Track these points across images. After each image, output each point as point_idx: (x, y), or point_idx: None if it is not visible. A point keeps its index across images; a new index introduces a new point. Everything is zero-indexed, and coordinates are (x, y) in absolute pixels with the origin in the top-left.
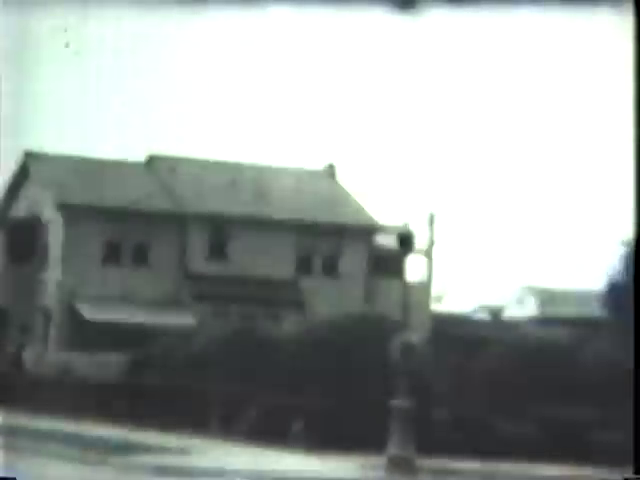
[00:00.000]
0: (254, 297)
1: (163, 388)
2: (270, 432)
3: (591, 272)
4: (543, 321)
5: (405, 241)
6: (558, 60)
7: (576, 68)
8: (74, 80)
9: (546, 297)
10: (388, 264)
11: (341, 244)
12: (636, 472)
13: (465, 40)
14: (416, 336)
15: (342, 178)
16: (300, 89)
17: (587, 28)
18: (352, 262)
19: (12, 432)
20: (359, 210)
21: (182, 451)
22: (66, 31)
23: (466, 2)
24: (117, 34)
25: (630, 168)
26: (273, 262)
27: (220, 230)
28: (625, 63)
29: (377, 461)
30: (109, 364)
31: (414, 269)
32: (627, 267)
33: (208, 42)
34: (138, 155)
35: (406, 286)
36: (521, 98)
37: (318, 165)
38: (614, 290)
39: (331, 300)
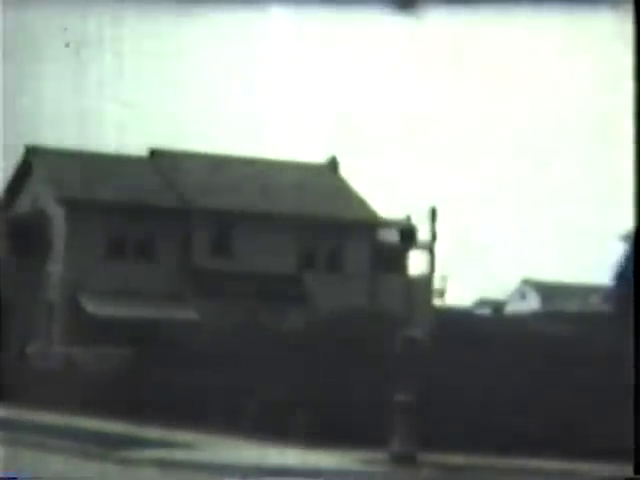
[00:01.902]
0: (258, 292)
1: (166, 383)
2: (273, 427)
3: (593, 266)
4: (545, 316)
5: (407, 236)
6: (557, 59)
7: (576, 68)
8: (74, 79)
9: (548, 291)
10: (391, 259)
11: (344, 239)
12: (636, 472)
13: (465, 39)
14: (419, 331)
15: (345, 172)
16: (301, 86)
17: (587, 28)
18: (355, 257)
19: (15, 426)
20: (362, 205)
21: (186, 446)
22: (66, 31)
23: (466, 2)
24: (117, 33)
25: (630, 163)
26: (276, 257)
27: (224, 225)
28: (625, 63)
29: (379, 456)
30: (112, 359)
31: (416, 264)
32: (629, 261)
33: (208, 40)
34: (141, 150)
35: (409, 281)
36: (521, 96)
37: (321, 160)
38: (620, 284)
39: (334, 295)
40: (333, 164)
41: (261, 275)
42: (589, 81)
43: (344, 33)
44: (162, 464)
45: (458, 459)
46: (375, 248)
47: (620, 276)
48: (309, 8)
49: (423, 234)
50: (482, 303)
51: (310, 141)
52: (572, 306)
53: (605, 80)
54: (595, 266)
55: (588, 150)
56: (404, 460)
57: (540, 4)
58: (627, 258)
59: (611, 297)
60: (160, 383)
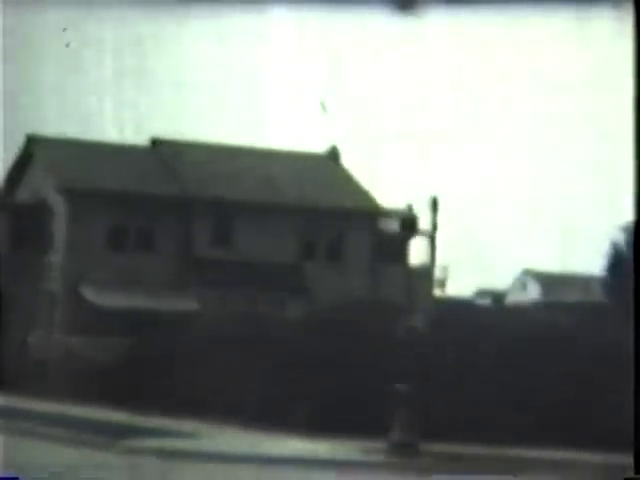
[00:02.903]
0: (258, 282)
1: (167, 372)
2: (273, 417)
3: (593, 256)
4: (546, 306)
5: (408, 225)
6: (557, 59)
7: (576, 66)
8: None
9: (548, 282)
10: (392, 248)
11: (345, 228)
12: (636, 472)
13: (465, 38)
14: (420, 320)
15: (346, 161)
16: (302, 83)
17: (587, 28)
18: (356, 247)
19: (16, 416)
20: (363, 194)
21: (187, 435)
22: (65, 30)
23: (466, 2)
24: (117, 34)
25: (630, 157)
26: (277, 247)
27: (225, 215)
28: (625, 63)
29: (380, 445)
30: (114, 348)
31: (417, 253)
32: (627, 251)
33: (208, 40)
34: (142, 140)
35: (409, 270)
36: (522, 94)
37: (321, 149)
38: (615, 274)
39: (335, 285)
40: (334, 154)
41: (262, 265)
42: (590, 80)
43: (344, 32)
44: (164, 453)
45: (458, 449)
46: (376, 238)
47: (612, 266)
48: (309, 8)
49: (424, 224)
50: (483, 293)
51: (311, 132)
52: (573, 296)
53: (606, 79)
54: (595, 256)
55: (589, 146)
56: (404, 449)
57: (541, 4)
58: (617, 249)
59: (606, 287)
60: (161, 373)
